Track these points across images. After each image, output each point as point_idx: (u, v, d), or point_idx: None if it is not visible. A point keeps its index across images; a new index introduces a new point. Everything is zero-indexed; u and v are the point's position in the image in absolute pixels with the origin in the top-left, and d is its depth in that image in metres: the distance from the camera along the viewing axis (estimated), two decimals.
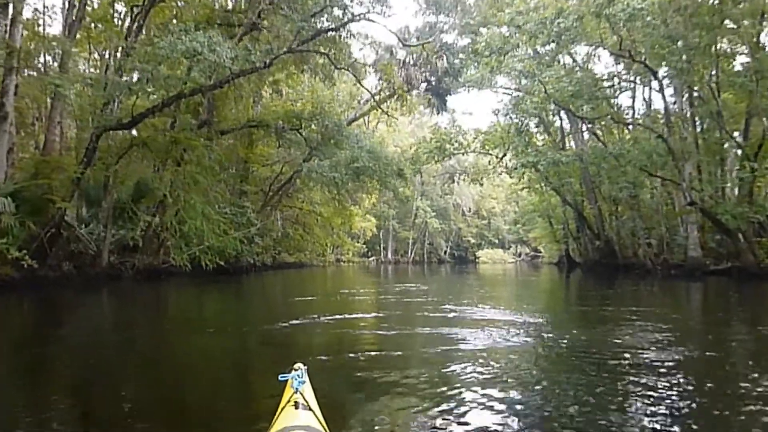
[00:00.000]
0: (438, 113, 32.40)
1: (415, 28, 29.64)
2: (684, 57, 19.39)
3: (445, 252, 79.88)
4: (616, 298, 17.21)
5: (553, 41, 20.35)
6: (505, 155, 35.82)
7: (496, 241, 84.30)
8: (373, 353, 7.29)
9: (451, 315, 11.36)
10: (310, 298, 17.34)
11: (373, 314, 12.29)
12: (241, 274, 28.86)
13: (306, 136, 27.41)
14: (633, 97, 28.92)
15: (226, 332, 9.75)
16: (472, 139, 36.62)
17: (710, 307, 16.18)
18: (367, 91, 29.44)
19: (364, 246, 68.06)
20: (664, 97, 20.43)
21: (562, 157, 25.53)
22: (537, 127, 36.01)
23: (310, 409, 3.03)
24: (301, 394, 3.16)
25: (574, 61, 26.03)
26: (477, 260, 76.89)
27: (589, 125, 28.87)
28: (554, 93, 20.87)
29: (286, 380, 3.41)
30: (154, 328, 10.68)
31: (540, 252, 71.96)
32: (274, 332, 9.23)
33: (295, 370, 3.47)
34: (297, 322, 10.18)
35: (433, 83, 29.19)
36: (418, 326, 10.02)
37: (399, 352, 7.33)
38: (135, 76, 19.17)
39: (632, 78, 21.27)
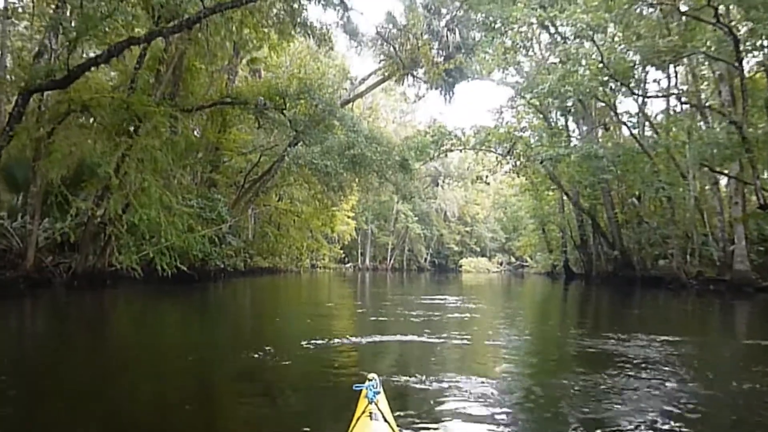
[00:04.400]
0: (447, 97, 28.15)
1: None
2: None
3: (426, 259, 75.82)
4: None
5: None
6: (509, 152, 31.91)
7: (478, 249, 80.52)
8: None
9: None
10: (294, 310, 15.23)
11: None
12: (209, 281, 24.13)
13: (291, 118, 22.81)
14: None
15: (182, 367, 6.74)
16: (473, 134, 32.55)
17: None
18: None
19: (342, 251, 63.61)
20: (742, 74, 16.46)
21: (599, 150, 21.46)
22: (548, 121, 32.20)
23: (386, 421, 2.98)
24: (376, 404, 3.10)
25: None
26: (459, 269, 72.97)
27: (629, 119, 24.41)
28: (616, 62, 16.67)
29: (360, 390, 3.34)
30: (75, 359, 7.18)
31: (526, 261, 68.55)
32: (249, 368, 6.50)
33: (369, 380, 3.41)
34: (288, 354, 7.26)
35: (443, 62, 24.83)
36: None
37: None
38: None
39: (707, 47, 17.28)
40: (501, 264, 78.20)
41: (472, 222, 78.98)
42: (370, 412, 3.00)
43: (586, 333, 10.37)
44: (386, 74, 27.71)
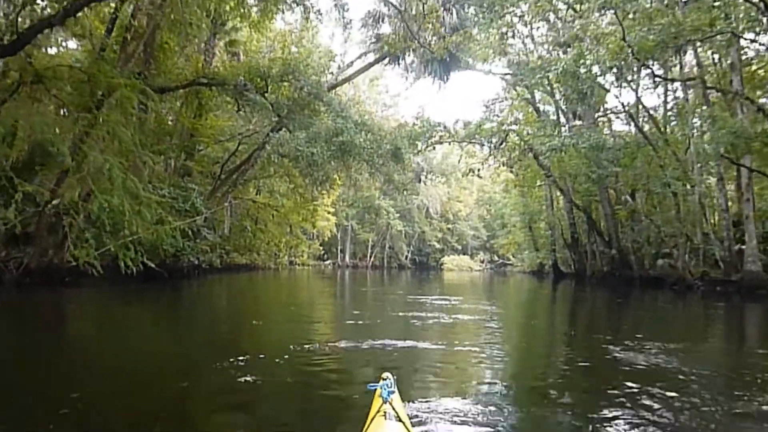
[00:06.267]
0: (441, 82, 26.40)
1: None
2: None
3: (406, 257, 74.15)
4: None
5: None
6: (502, 143, 30.35)
7: (459, 247, 79.10)
8: None
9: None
10: (274, 311, 14.17)
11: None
12: (181, 278, 22.13)
13: (274, 102, 20.87)
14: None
15: (150, 379, 5.78)
16: (463, 126, 30.90)
17: None
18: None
19: (321, 248, 61.71)
20: None
21: (609, 140, 19.91)
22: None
23: (400, 420, 2.95)
24: (390, 404, 3.10)
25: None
26: (441, 267, 71.45)
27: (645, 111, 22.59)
28: (641, 41, 14.97)
29: (375, 390, 3.36)
30: (17, 375, 5.86)
31: (509, 260, 67.37)
32: (227, 377, 5.67)
33: (384, 379, 3.42)
34: (269, 361, 6.62)
35: (433, 49, 22.95)
36: None
37: None
38: None
39: (739, 24, 15.79)
40: (483, 262, 76.89)
41: (454, 219, 77.53)
42: (385, 412, 2.98)
43: (606, 340, 9.36)
44: (377, 57, 25.87)
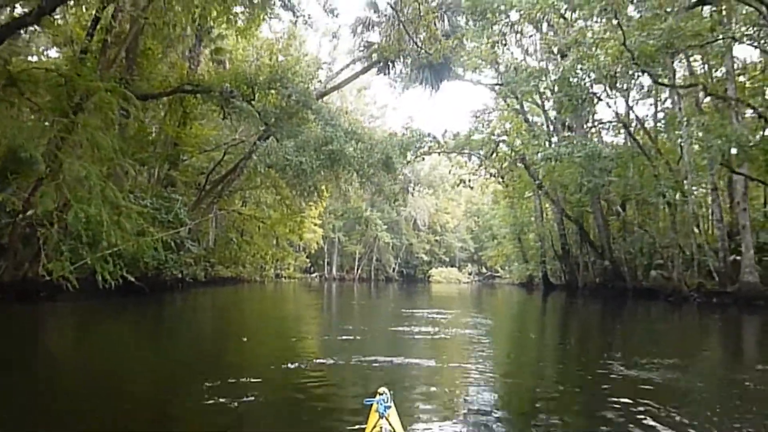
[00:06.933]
0: (434, 90, 25.90)
1: None
2: None
3: (394, 269, 73.46)
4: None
5: None
6: (493, 153, 30.01)
7: (447, 259, 78.58)
8: None
9: None
10: (261, 327, 13.56)
11: None
12: (164, 291, 21.31)
13: (261, 110, 20.26)
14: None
15: (131, 404, 5.28)
16: (452, 137, 30.51)
17: None
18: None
19: (308, 260, 60.83)
20: None
21: (605, 149, 19.52)
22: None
23: None
24: (387, 419, 3.02)
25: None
26: (429, 279, 70.84)
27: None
28: (641, 45, 14.55)
29: (371, 405, 3.26)
30: None
31: (497, 272, 66.95)
32: (212, 398, 5.15)
33: (380, 394, 3.41)
34: (257, 381, 6.23)
35: (426, 54, 22.42)
36: None
37: None
38: None
39: (739, 32, 15.46)
40: (471, 274, 76.38)
41: (442, 231, 77.04)
42: (381, 427, 2.92)
43: (601, 355, 9.15)
44: (366, 65, 25.36)
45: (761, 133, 16.06)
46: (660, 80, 19.04)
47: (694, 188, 22.82)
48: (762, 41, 15.36)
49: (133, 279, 14.62)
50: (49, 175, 12.24)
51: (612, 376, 7.01)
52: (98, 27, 15.87)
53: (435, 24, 21.32)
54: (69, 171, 12.03)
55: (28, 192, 13.85)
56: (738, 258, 22.18)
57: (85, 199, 11.88)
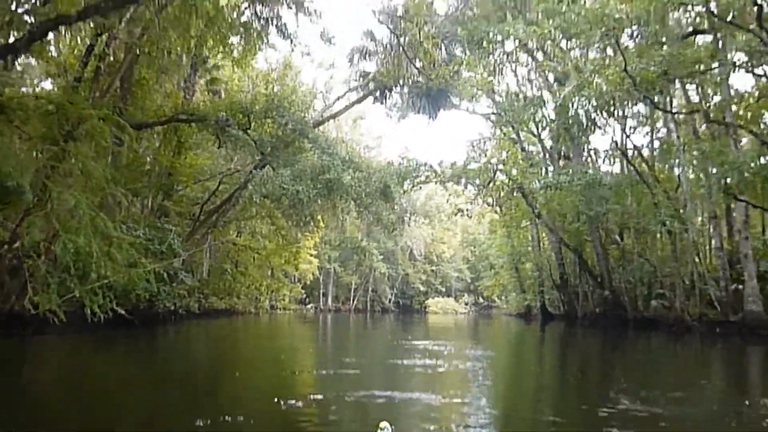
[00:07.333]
0: (431, 118, 25.80)
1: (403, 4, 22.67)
2: None
3: (390, 300, 72.73)
4: None
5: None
6: (490, 183, 29.80)
7: (443, 289, 77.94)
8: None
9: None
10: (257, 360, 13.12)
11: None
12: (156, 324, 20.75)
13: (257, 138, 20.06)
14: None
15: None
16: (449, 166, 30.36)
17: None
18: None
19: (303, 291, 60.13)
20: None
21: (605, 178, 19.33)
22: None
23: None
24: None
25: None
26: (425, 310, 70.11)
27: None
28: (642, 71, 14.50)
29: None
30: None
31: (494, 302, 66.38)
32: None
33: (381, 429, 3.52)
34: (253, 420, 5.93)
35: (425, 80, 22.39)
36: None
37: None
38: None
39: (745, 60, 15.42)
40: (467, 305, 75.70)
41: (438, 261, 76.55)
42: None
43: (605, 387, 9.14)
44: (363, 94, 25.30)
45: (760, 159, 15.89)
46: (647, 111, 18.95)
47: (693, 216, 22.58)
48: (762, 67, 15.32)
49: (123, 312, 14.13)
50: (37, 205, 11.86)
51: (614, 410, 6.75)
52: (93, 54, 15.68)
53: (434, 50, 21.32)
54: (58, 201, 11.68)
55: (16, 223, 13.47)
56: (740, 287, 21.88)
57: (74, 229, 11.51)
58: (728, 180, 17.24)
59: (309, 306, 65.36)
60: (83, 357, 12.27)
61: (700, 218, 25.39)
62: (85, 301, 12.51)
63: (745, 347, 18.54)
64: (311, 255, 50.85)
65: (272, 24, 17.23)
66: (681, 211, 22.50)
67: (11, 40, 12.40)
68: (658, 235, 23.98)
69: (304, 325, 34.03)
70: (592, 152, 31.42)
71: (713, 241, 23.79)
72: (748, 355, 16.82)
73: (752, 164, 15.89)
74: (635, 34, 16.63)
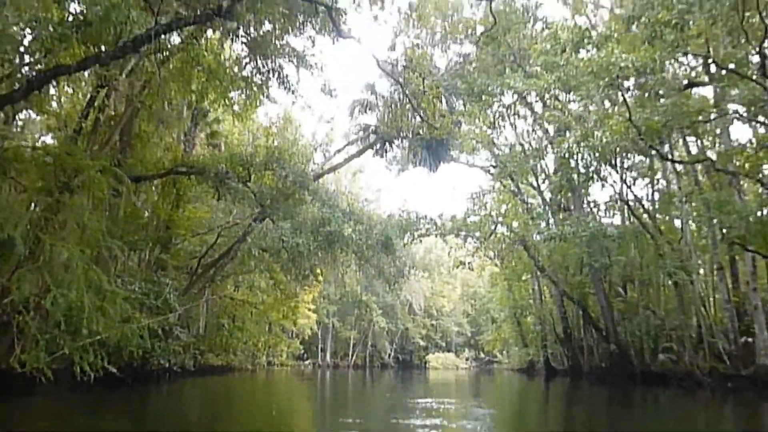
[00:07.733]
0: (432, 171, 25.77)
1: (403, 53, 22.95)
2: None
3: (389, 355, 71.34)
4: None
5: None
6: (491, 235, 29.56)
7: (444, 344, 76.66)
8: None
9: None
10: (257, 423, 12.21)
11: None
12: (149, 382, 20.01)
13: (256, 191, 19.89)
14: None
15: None
16: (450, 219, 30.21)
17: None
18: None
19: (301, 346, 59.00)
20: None
21: (609, 229, 19.12)
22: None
23: None
24: None
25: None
26: (426, 365, 68.77)
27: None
28: (647, 121, 14.48)
29: None
30: None
31: (495, 357, 65.11)
32: None
33: None
34: None
35: (425, 132, 22.47)
36: None
37: None
38: None
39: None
40: (468, 360, 74.33)
41: (438, 315, 75.58)
42: None
43: None
44: (363, 147, 25.36)
45: (764, 209, 15.74)
46: (661, 157, 18.91)
47: (698, 267, 22.29)
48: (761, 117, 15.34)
49: (114, 370, 13.54)
50: (29, 258, 11.50)
51: None
52: (93, 107, 15.66)
53: (436, 101, 21.47)
54: (51, 253, 11.34)
55: (6, 277, 13.06)
56: (749, 339, 21.40)
57: (65, 283, 11.11)
58: (733, 230, 16.96)
59: (307, 362, 64.10)
60: (71, 419, 11.64)
61: (702, 270, 25.13)
62: (75, 359, 11.97)
63: (760, 402, 17.95)
64: (309, 310, 50.13)
65: (273, 77, 17.15)
66: (687, 262, 22.25)
67: None
68: (662, 287, 23.54)
69: (302, 382, 33.03)
70: (592, 204, 31.51)
71: (719, 293, 23.43)
72: (764, 412, 16.21)
73: (759, 214, 15.69)
74: (632, 87, 16.80)
